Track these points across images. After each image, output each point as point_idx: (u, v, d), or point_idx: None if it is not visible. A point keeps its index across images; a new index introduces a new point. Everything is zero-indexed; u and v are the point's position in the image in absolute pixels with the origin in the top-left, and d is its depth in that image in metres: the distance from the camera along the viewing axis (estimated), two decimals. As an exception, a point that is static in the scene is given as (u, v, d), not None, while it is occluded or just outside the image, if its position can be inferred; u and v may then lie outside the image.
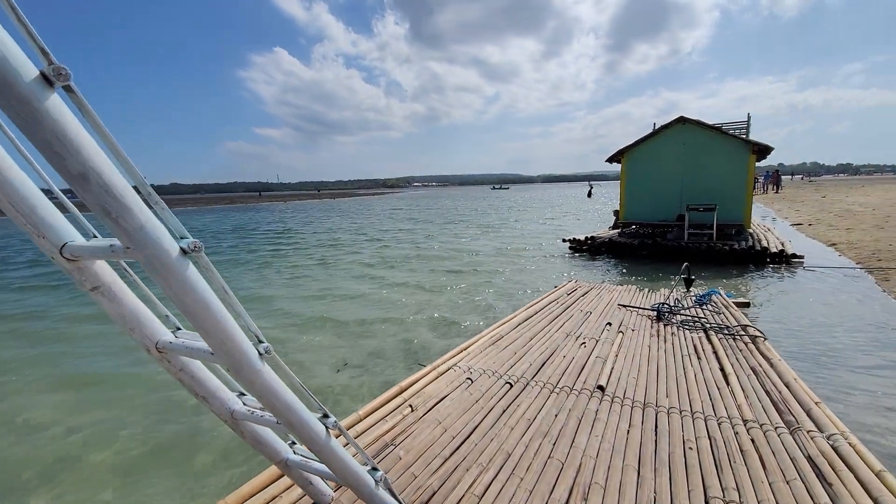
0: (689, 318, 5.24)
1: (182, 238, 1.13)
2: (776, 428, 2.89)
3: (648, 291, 6.63)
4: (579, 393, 3.45)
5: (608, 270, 10.63)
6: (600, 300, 6.22)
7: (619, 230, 13.96)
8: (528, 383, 3.66)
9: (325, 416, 1.64)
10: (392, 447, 2.82)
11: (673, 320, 5.19)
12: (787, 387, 3.42)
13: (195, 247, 1.12)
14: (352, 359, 5.81)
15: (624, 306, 5.77)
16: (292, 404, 1.46)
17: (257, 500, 2.33)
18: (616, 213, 16.10)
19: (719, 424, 2.97)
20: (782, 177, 49.00)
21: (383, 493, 1.89)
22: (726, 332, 4.69)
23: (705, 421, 3.02)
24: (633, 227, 13.61)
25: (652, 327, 5.05)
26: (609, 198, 51.09)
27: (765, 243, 10.65)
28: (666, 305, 5.47)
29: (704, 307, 5.70)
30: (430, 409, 3.26)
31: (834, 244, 11.54)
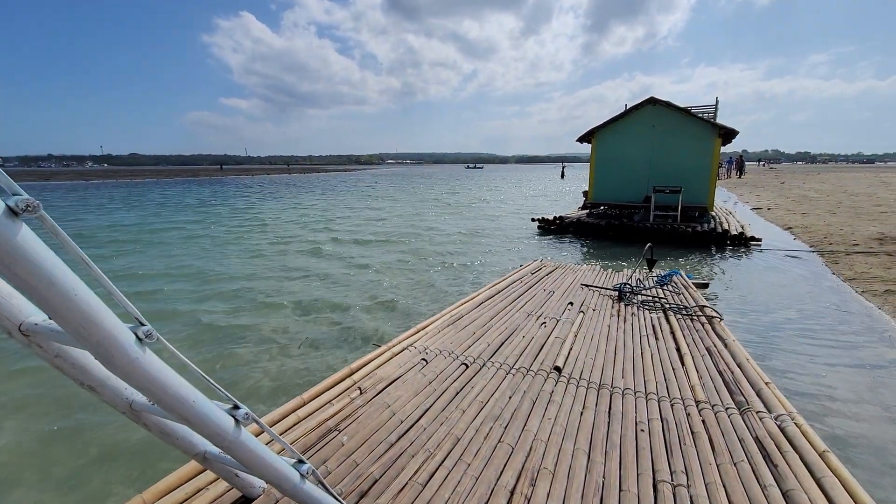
0: (650, 298, 5.25)
1: (14, 195, 0.89)
2: (727, 409, 2.88)
3: (612, 272, 6.64)
4: (535, 374, 3.37)
5: (575, 250, 10.68)
6: (564, 280, 6.17)
7: (587, 211, 14.04)
8: (484, 364, 3.56)
9: (236, 406, 1.45)
10: (335, 433, 2.66)
11: (634, 300, 5.19)
12: (739, 367, 3.43)
13: (29, 206, 0.89)
14: (311, 337, 5.60)
15: (587, 286, 5.75)
16: (185, 397, 1.25)
17: (178, 494, 2.14)
18: (585, 193, 16.20)
19: (672, 406, 2.94)
20: (746, 163, 50.65)
21: (310, 488, 1.73)
22: (684, 312, 4.72)
23: (658, 402, 2.99)
24: (602, 207, 13.70)
25: (613, 307, 5.03)
26: (581, 179, 51.66)
27: (726, 226, 10.91)
28: (628, 286, 5.46)
29: (665, 287, 5.74)
30: (379, 392, 3.11)
31: (790, 228, 11.95)
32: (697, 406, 2.92)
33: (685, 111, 11.77)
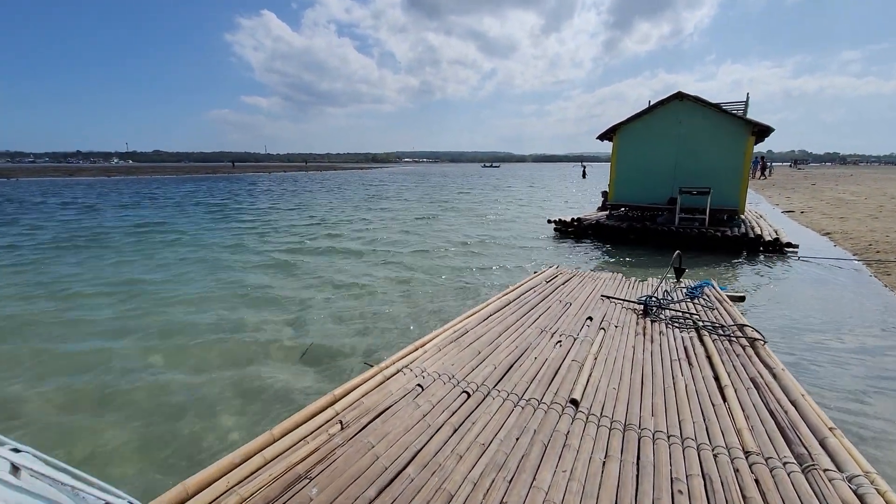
0: (680, 313, 4.68)
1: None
2: (785, 464, 2.33)
3: (636, 281, 6.07)
4: (549, 407, 2.87)
5: (594, 255, 10.07)
6: (582, 290, 5.63)
7: (607, 212, 13.37)
8: (489, 392, 3.07)
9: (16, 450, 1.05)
10: (305, 482, 2.21)
11: (661, 316, 4.63)
12: (794, 405, 2.87)
13: None
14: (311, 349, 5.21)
15: (607, 297, 5.20)
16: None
17: (220, 484, 2.09)
18: (605, 193, 15.49)
19: (716, 457, 2.40)
20: (773, 164, 48.81)
21: None
22: (721, 332, 4.14)
23: (698, 450, 2.46)
24: (622, 209, 13.01)
25: (638, 323, 4.49)
26: (605, 179, 50.27)
27: (758, 231, 10.16)
28: (654, 298, 4.90)
29: (696, 300, 5.15)
30: (364, 427, 2.65)
31: (828, 233, 11.11)
32: (747, 458, 2.38)
33: (715, 107, 11.01)
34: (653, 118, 11.73)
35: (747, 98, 14.11)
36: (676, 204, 10.73)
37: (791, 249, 9.33)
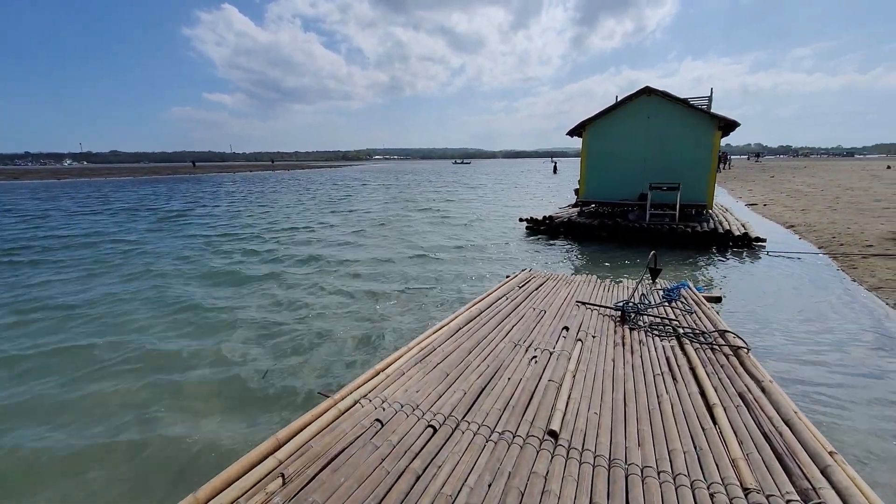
0: (659, 319, 4.45)
1: None
2: (788, 502, 2.07)
3: (611, 283, 5.84)
4: (524, 442, 2.53)
5: (567, 255, 9.87)
6: (556, 295, 5.35)
7: (578, 209, 13.24)
8: (457, 425, 2.72)
9: None
10: (230, 565, 1.80)
11: (640, 322, 4.38)
12: (788, 426, 2.63)
13: None
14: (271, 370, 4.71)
15: (583, 304, 4.92)
16: None
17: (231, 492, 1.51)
18: (577, 190, 15.42)
19: (712, 496, 2.12)
20: (731, 157, 50.52)
21: None
22: (703, 339, 3.91)
23: (693, 489, 2.18)
24: (593, 205, 12.91)
25: (616, 332, 4.22)
26: (573, 174, 50.84)
27: (727, 226, 10.20)
28: (631, 304, 4.65)
29: (674, 303, 4.94)
30: (310, 480, 2.26)
31: (792, 226, 11.30)
32: (747, 497, 2.11)
33: (683, 102, 11.00)
34: (621, 114, 11.65)
35: (711, 93, 14.25)
36: (647, 200, 10.67)
37: (759, 244, 9.39)
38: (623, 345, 3.94)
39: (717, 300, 5.56)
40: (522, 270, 6.33)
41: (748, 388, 3.10)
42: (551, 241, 11.04)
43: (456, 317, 4.49)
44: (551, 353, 3.73)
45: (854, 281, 6.72)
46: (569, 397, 3.03)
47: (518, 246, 10.64)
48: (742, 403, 2.93)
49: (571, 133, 12.49)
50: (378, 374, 3.35)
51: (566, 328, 4.26)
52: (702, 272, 8.01)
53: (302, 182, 44.76)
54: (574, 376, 3.34)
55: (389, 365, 3.47)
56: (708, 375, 3.31)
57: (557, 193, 26.68)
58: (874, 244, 8.13)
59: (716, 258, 8.90)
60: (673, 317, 4.54)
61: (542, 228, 11.93)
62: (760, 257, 8.78)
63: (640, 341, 3.98)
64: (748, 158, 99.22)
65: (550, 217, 11.88)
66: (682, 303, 4.97)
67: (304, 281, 8.01)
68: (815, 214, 12.19)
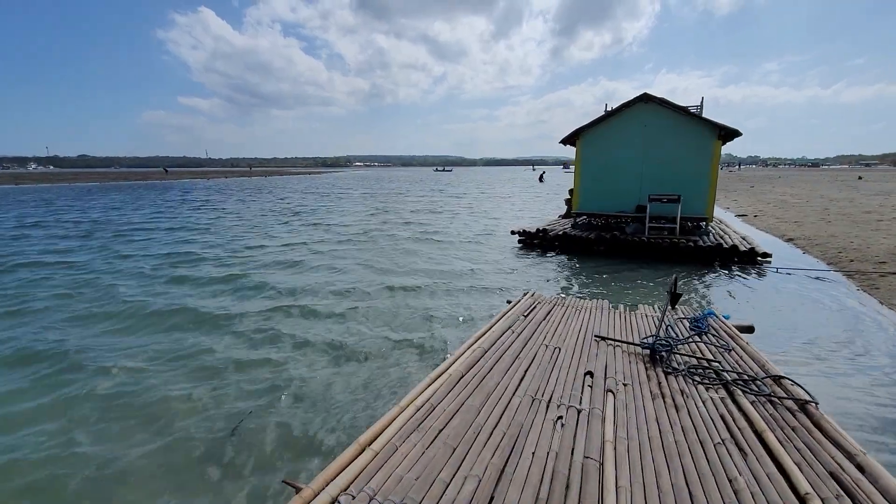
0: (694, 358, 3.77)
1: None
2: None
3: (627, 311, 5.17)
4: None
5: (565, 272, 9.20)
6: (569, 326, 4.64)
7: (571, 221, 12.66)
8: (473, 539, 1.95)
9: None
10: None
11: (674, 363, 3.70)
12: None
13: None
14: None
15: (602, 339, 4.22)
16: None
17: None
18: (568, 201, 14.89)
19: None
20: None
21: None
22: (756, 390, 3.24)
23: None
24: (583, 217, 12.34)
25: (649, 377, 3.52)
26: (559, 182, 50.69)
27: (729, 240, 9.73)
28: (660, 339, 3.97)
29: (704, 336, 4.29)
30: None
31: (791, 239, 10.94)
32: None
33: (682, 109, 10.55)
34: (617, 122, 11.15)
35: (701, 102, 13.94)
36: (645, 212, 10.15)
37: (765, 260, 8.93)
38: (663, 397, 3.23)
39: (749, 330, 4.93)
40: (525, 294, 5.61)
41: (841, 467, 2.41)
42: (546, 256, 10.39)
43: (455, 360, 3.72)
44: (579, 412, 3.00)
45: (882, 304, 6.22)
46: (616, 485, 2.29)
47: (512, 262, 9.91)
48: (842, 492, 2.24)
49: (564, 142, 11.94)
50: (363, 450, 2.55)
51: (590, 374, 3.54)
52: (705, 290, 7.44)
53: (277, 189, 43.29)
54: (615, 448, 2.61)
55: (377, 436, 2.67)
56: (782, 444, 2.62)
57: (546, 203, 26.20)
58: (886, 261, 7.72)
59: (720, 275, 8.38)
60: (710, 355, 3.87)
61: (535, 242, 11.28)
62: (766, 274, 8.30)
63: (682, 391, 3.28)
64: (722, 168, 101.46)
65: (544, 230, 11.24)
66: (713, 335, 4.31)
67: (260, 325, 6.13)
68: (811, 227, 11.90)
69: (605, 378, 3.47)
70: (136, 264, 10.12)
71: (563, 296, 5.80)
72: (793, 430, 2.78)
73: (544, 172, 69.30)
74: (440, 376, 3.43)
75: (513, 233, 11.81)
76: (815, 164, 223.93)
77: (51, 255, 11.17)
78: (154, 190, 41.71)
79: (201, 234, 14.88)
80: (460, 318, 6.41)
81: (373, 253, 10.96)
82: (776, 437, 2.69)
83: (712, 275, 8.44)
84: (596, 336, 4.26)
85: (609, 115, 11.25)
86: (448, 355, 5.09)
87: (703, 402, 3.13)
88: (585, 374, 3.54)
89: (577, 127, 11.63)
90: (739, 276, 8.31)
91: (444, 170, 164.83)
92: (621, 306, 5.28)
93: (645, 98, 10.69)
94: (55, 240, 13.64)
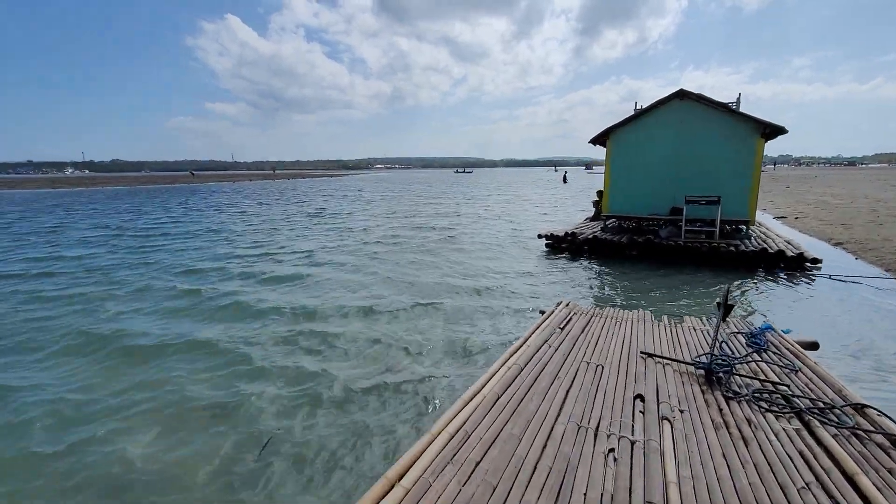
0: (758, 381, 3.37)
1: None
2: None
3: (672, 322, 4.77)
4: None
5: (598, 278, 8.76)
6: (610, 340, 4.28)
7: (601, 224, 12.18)
8: None
9: None
10: None
11: (735, 386, 3.31)
12: None
13: None
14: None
15: (649, 355, 3.85)
16: None
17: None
18: (596, 203, 14.40)
19: None
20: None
21: None
22: (836, 421, 2.83)
23: None
24: (613, 220, 11.83)
25: (707, 402, 3.15)
26: (580, 183, 49.70)
27: (773, 244, 9.12)
28: (716, 357, 3.58)
29: (764, 354, 3.87)
30: None
31: (840, 243, 10.23)
32: None
33: (722, 106, 9.98)
34: (651, 120, 10.65)
35: (738, 98, 13.27)
36: (681, 215, 9.64)
37: (815, 266, 8.32)
38: (726, 426, 2.86)
39: (814, 347, 4.47)
40: (559, 304, 5.26)
41: (962, 525, 2.02)
42: (575, 260, 9.97)
43: (489, 379, 3.42)
44: (632, 443, 2.65)
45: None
46: (688, 540, 1.95)
47: (540, 267, 9.50)
48: (970, 560, 1.85)
49: (594, 141, 11.49)
50: (392, 487, 2.28)
51: (640, 397, 3.19)
52: (757, 302, 6.91)
53: (300, 192, 43.70)
54: (680, 489, 2.26)
55: (407, 469, 2.40)
56: (880, 491, 2.23)
57: (572, 205, 25.56)
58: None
59: (766, 283, 7.82)
60: (774, 377, 3.46)
61: (563, 246, 10.86)
62: (817, 282, 7.70)
63: (749, 420, 2.90)
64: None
65: (573, 233, 10.82)
66: (774, 353, 3.89)
67: (272, 349, 5.56)
68: (861, 229, 11.13)
69: (658, 402, 3.11)
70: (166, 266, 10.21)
71: (599, 306, 5.43)
72: (889, 472, 2.38)
73: (567, 173, 68.15)
74: (474, 398, 3.14)
75: (540, 236, 11.42)
76: (852, 162, 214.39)
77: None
78: (186, 195, 42.65)
79: (201, 241, 14.97)
80: (489, 330, 6.03)
81: (394, 258, 10.60)
82: (871, 481, 2.30)
83: (757, 282, 7.89)
84: (642, 353, 3.90)
85: (641, 113, 10.75)
86: (478, 370, 4.80)
87: (776, 435, 2.75)
88: (635, 397, 3.19)
89: (607, 126, 11.17)
90: (787, 283, 7.74)
91: (464, 171, 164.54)
92: (665, 318, 4.88)
93: (680, 94, 10.16)
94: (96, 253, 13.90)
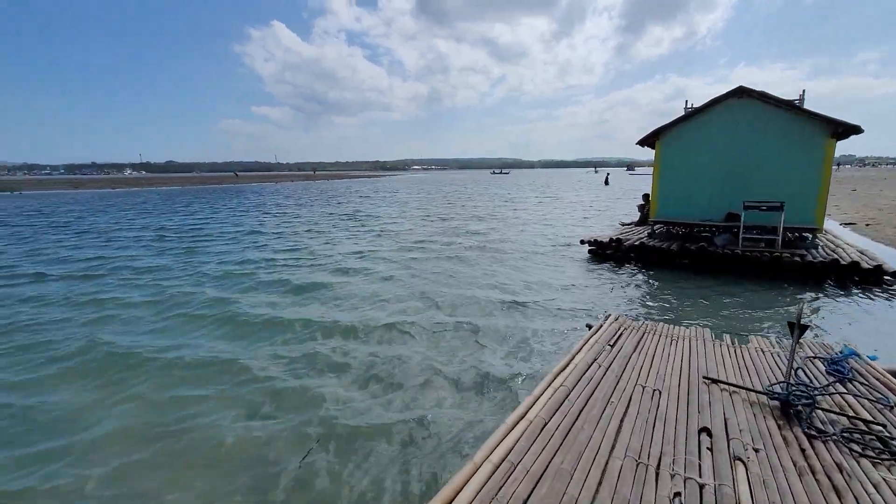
0: (846, 417, 2.96)
1: None
2: None
3: (736, 342, 4.34)
4: None
5: (647, 289, 8.24)
6: (666, 362, 3.92)
7: (647, 230, 11.57)
8: None
9: None
10: None
11: (817, 423, 2.91)
12: None
13: None
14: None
15: (713, 381, 3.48)
16: None
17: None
18: (642, 207, 13.75)
19: None
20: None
21: None
22: (953, 473, 2.41)
23: None
24: (659, 226, 11.18)
25: (786, 440, 2.77)
26: (619, 184, 48.01)
27: (846, 254, 8.31)
28: (794, 387, 3.18)
29: (850, 384, 3.42)
30: None
31: (924, 255, 9.20)
32: None
33: (786, 104, 9.21)
34: (705, 119, 9.97)
35: (802, 95, 12.28)
36: (738, 221, 8.96)
37: (893, 278, 7.51)
38: (812, 472, 2.48)
39: (906, 378, 3.93)
40: (608, 317, 4.92)
41: None
42: (620, 268, 9.47)
43: (535, 401, 3.16)
44: (701, 487, 2.34)
45: None
46: None
47: (583, 276, 9.01)
48: None
49: (643, 142, 10.91)
50: (432, 523, 2.08)
51: (706, 431, 2.84)
52: (831, 321, 6.23)
53: (339, 193, 44.45)
54: (763, 551, 1.95)
55: (456, 496, 2.20)
56: None
57: (614, 209, 24.64)
58: None
59: (839, 298, 7.09)
60: (865, 413, 3.02)
61: (608, 252, 10.37)
62: (897, 296, 6.92)
63: (840, 466, 2.51)
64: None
65: (618, 239, 10.31)
66: (861, 384, 3.43)
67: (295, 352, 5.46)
68: (947, 240, 9.99)
69: (728, 438, 2.76)
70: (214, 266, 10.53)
71: (651, 320, 5.05)
72: None
73: (609, 175, 65.88)
74: (518, 423, 2.90)
75: (583, 242, 10.96)
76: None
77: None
78: (230, 196, 44.36)
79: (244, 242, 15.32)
80: (530, 344, 5.69)
81: (429, 266, 10.21)
82: None
83: (829, 298, 7.18)
84: (705, 378, 3.53)
85: (695, 112, 10.10)
86: (521, 388, 4.55)
87: (876, 487, 2.36)
88: (700, 430, 2.85)
89: (657, 126, 10.57)
90: (864, 299, 7.00)
91: (501, 172, 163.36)
92: (727, 337, 4.45)
93: (739, 92, 9.45)
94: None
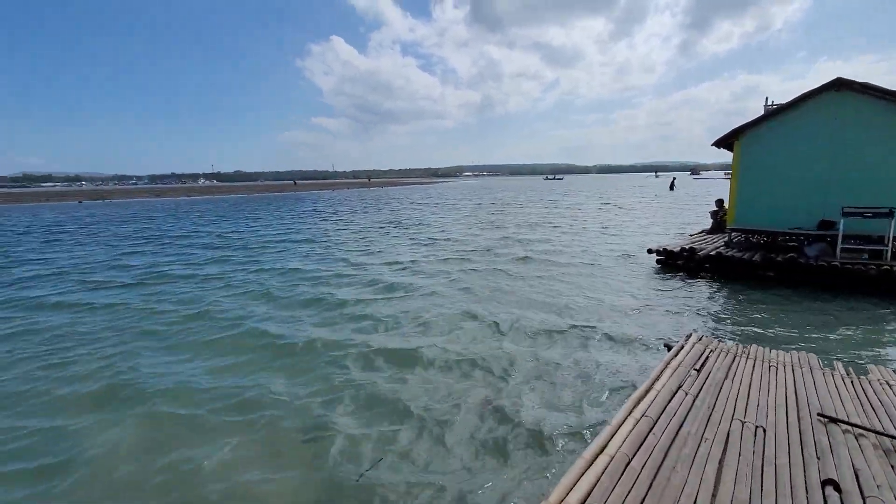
0: None
1: None
2: None
3: (851, 372, 3.71)
4: None
5: (721, 302, 7.45)
6: (766, 393, 3.39)
7: (723, 239, 10.60)
8: None
9: None
10: None
11: (982, 483, 2.32)
12: None
13: None
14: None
15: (832, 420, 2.93)
16: None
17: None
18: (715, 213, 12.69)
19: None
20: None
21: None
22: None
23: None
24: (740, 234, 10.18)
25: (939, 503, 2.22)
26: (684, 189, 45.23)
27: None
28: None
29: None
30: None
31: None
32: None
33: (894, 95, 8.05)
34: (794, 116, 8.97)
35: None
36: (832, 229, 7.92)
37: None
38: None
39: None
40: (689, 337, 4.41)
41: None
42: (693, 281, 8.67)
43: (615, 432, 2.79)
44: (837, 560, 1.89)
45: None
46: None
47: (653, 289, 8.24)
48: None
49: (719, 143, 10.03)
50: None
51: (832, 484, 2.35)
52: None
53: (393, 200, 45.06)
54: None
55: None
56: None
57: (681, 216, 23.07)
58: None
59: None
60: None
61: (679, 263, 9.57)
62: None
63: None
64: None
65: (690, 249, 9.49)
66: None
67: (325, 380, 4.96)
68: None
69: (864, 496, 2.26)
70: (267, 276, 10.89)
71: (740, 342, 4.46)
72: None
73: (675, 179, 62.33)
74: (597, 458, 2.55)
75: (650, 251, 10.21)
76: None
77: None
78: (291, 203, 46.38)
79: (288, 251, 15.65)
80: (602, 368, 5.09)
81: (481, 282, 9.50)
82: None
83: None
84: (820, 415, 2.98)
85: (782, 108, 9.10)
86: (596, 418, 4.15)
87: None
88: (824, 483, 2.36)
89: (736, 126, 9.65)
90: None
91: (554, 178, 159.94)
92: (839, 365, 3.82)
93: (837, 84, 8.38)
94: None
